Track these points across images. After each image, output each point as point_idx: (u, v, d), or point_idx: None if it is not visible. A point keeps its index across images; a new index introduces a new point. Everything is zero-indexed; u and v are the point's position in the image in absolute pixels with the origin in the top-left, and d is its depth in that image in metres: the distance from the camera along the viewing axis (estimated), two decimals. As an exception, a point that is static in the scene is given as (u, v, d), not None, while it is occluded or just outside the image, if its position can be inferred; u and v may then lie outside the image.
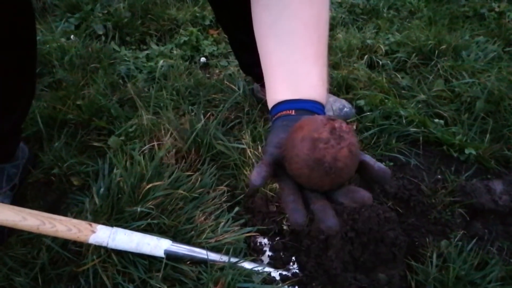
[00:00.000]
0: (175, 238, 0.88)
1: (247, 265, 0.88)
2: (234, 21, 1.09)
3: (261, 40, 0.61)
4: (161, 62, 1.49)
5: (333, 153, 0.43)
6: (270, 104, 0.60)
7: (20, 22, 0.81)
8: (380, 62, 1.60)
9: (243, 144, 1.13)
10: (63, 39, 1.57)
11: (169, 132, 1.12)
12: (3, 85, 0.87)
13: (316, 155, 0.43)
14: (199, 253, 0.86)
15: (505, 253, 0.98)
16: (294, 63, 0.57)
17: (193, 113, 1.21)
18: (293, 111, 0.55)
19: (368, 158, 0.48)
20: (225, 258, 0.86)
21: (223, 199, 1.01)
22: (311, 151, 0.43)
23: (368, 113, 1.30)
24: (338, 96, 1.37)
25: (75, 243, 0.89)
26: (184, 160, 1.09)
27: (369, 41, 1.68)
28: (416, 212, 1.05)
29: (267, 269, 0.90)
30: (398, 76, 1.53)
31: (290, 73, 0.57)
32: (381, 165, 0.48)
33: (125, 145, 1.14)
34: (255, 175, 0.46)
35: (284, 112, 0.56)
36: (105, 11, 1.77)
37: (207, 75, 1.57)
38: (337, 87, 1.43)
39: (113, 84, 1.40)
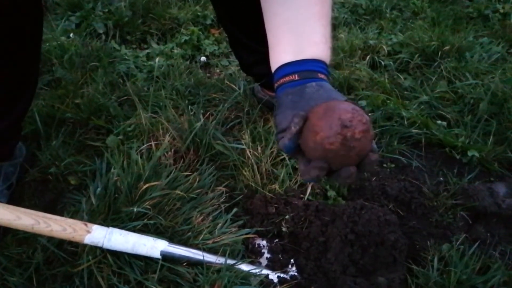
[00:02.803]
0: (171, 239, 0.87)
1: (245, 267, 0.86)
2: (234, 21, 1.09)
3: (266, 3, 0.61)
4: (157, 59, 1.48)
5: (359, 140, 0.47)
6: (273, 67, 0.59)
7: (28, 20, 0.81)
8: (383, 63, 1.58)
9: (242, 144, 1.12)
10: (63, 38, 1.56)
11: (168, 132, 1.11)
12: (6, 84, 0.86)
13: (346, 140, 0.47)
14: (196, 254, 0.85)
15: (508, 257, 0.97)
16: (298, 22, 0.57)
17: (192, 113, 1.20)
18: (296, 75, 0.55)
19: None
20: (222, 260, 0.84)
21: (221, 200, 1.00)
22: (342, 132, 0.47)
23: (369, 114, 1.28)
24: (339, 96, 1.36)
25: (71, 243, 0.87)
26: (182, 160, 1.08)
27: (371, 42, 1.67)
28: (417, 214, 1.04)
29: (265, 271, 0.88)
30: (401, 77, 1.52)
31: (293, 32, 0.57)
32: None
33: (124, 144, 1.13)
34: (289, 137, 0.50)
35: (287, 78, 0.56)
36: (106, 10, 1.77)
37: (208, 75, 1.56)
38: (338, 87, 1.42)
39: (112, 83, 1.39)
